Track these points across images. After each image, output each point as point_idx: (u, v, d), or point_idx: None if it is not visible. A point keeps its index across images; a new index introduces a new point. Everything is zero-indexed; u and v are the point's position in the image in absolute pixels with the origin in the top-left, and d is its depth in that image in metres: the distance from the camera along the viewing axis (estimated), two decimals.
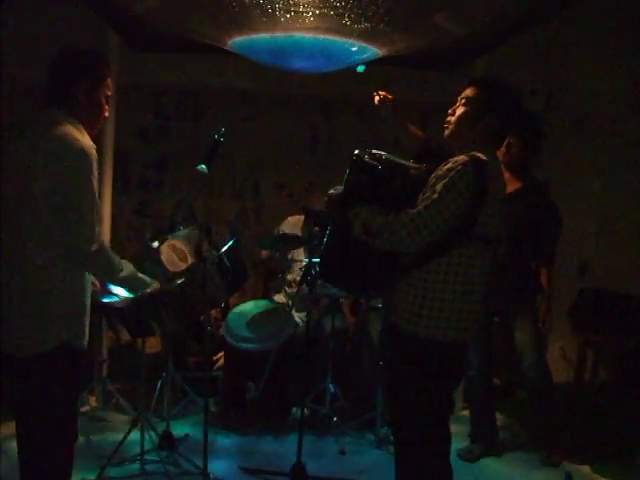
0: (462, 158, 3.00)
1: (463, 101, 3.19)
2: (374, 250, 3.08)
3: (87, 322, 3.14)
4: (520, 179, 4.62)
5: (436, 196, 2.95)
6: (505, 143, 4.52)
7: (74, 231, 2.98)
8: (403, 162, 3.21)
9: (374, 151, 3.27)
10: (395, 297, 3.14)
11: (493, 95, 3.17)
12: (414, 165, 3.27)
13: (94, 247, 3.00)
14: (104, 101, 3.18)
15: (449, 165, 3.00)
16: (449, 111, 3.25)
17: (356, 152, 3.22)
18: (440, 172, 3.02)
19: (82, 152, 2.97)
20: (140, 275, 3.31)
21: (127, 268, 3.22)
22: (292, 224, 5.57)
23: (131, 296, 3.71)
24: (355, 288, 3.76)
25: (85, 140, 3.04)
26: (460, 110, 3.19)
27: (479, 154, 3.03)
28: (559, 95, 6.56)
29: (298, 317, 5.30)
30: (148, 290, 3.38)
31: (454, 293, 3.03)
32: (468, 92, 3.20)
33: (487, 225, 3.02)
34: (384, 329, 3.33)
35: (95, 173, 3.00)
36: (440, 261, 3.02)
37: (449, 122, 3.22)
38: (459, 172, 2.95)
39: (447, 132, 3.23)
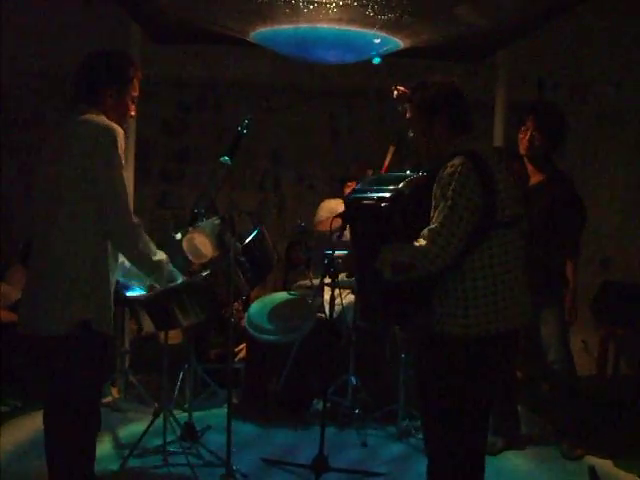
0: (458, 159, 2.99)
1: (410, 125, 3.24)
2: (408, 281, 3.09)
3: (110, 309, 3.18)
4: (543, 171, 4.60)
5: (450, 203, 2.95)
6: (528, 136, 4.52)
7: (109, 203, 3.04)
8: (393, 187, 3.18)
9: (359, 187, 3.35)
10: (436, 308, 3.11)
11: (423, 102, 3.17)
12: (410, 177, 3.26)
13: (134, 219, 3.07)
14: (130, 102, 3.26)
15: (448, 170, 2.99)
16: (409, 135, 3.28)
17: (351, 198, 3.27)
18: (442, 180, 3.01)
19: (106, 128, 3.04)
20: (171, 267, 3.34)
21: (161, 254, 3.27)
22: (329, 209, 5.56)
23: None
24: (401, 321, 3.78)
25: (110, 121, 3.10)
26: (415, 133, 3.23)
27: (468, 148, 3.05)
28: (582, 87, 6.51)
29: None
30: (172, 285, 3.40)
31: (495, 285, 3.02)
32: (407, 114, 3.25)
33: (505, 208, 3.03)
34: (424, 342, 3.29)
35: (121, 148, 3.05)
36: (472, 258, 3.01)
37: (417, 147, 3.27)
38: (462, 173, 2.95)
39: (422, 157, 3.27)
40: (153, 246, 3.23)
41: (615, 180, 6.57)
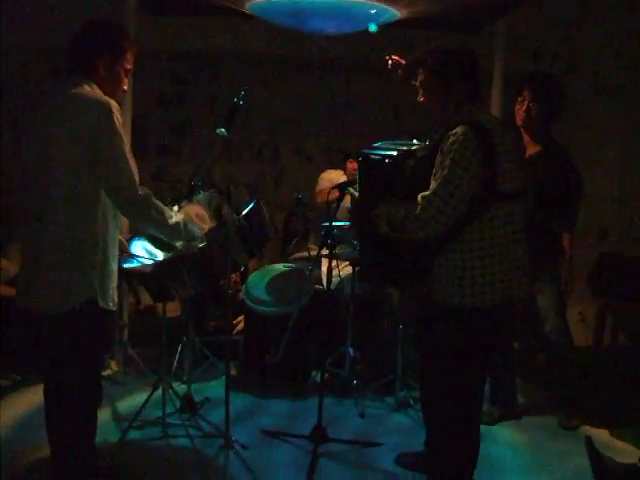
0: (461, 129, 3.01)
1: (421, 88, 3.23)
2: (405, 242, 3.12)
3: (114, 285, 3.19)
4: (540, 142, 4.58)
5: (447, 172, 2.97)
6: (524, 107, 4.51)
7: (114, 180, 3.06)
8: (406, 148, 3.24)
9: (377, 144, 3.37)
10: (434, 276, 3.16)
11: (440, 67, 3.17)
12: (418, 144, 3.29)
13: (140, 192, 3.10)
14: (123, 74, 3.25)
15: (451, 139, 3.02)
16: (419, 99, 3.27)
17: (362, 152, 3.30)
18: (445, 148, 3.03)
19: (102, 103, 3.03)
20: (190, 225, 3.42)
21: (178, 216, 3.34)
22: (329, 179, 5.55)
23: (154, 260, 3.75)
24: (397, 282, 3.78)
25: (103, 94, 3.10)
26: (426, 98, 3.22)
27: (474, 118, 3.07)
28: (580, 58, 6.48)
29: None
30: (197, 242, 3.47)
31: (492, 257, 3.05)
32: (420, 77, 3.23)
33: (507, 181, 3.05)
34: (423, 311, 3.33)
35: (119, 122, 3.05)
36: (472, 228, 3.04)
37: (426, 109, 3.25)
38: (463, 143, 2.97)
39: (432, 120, 3.27)
40: (167, 211, 3.28)
41: (612, 151, 6.55)
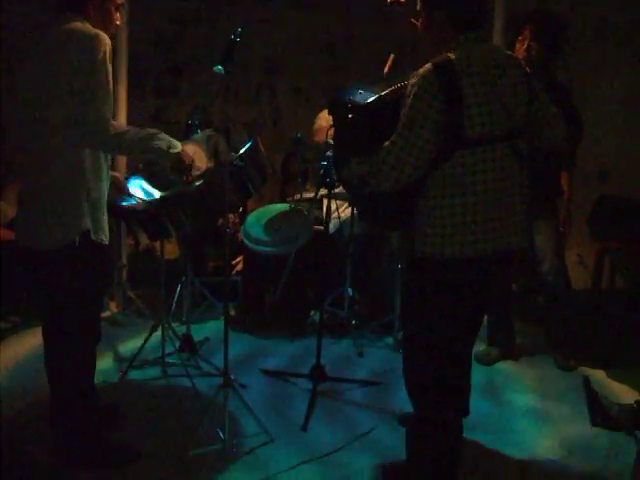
0: (423, 69, 2.78)
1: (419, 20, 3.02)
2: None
3: (105, 218, 3.20)
4: (540, 81, 4.52)
5: (405, 119, 2.76)
6: (525, 46, 4.44)
7: (86, 112, 2.98)
8: (379, 93, 3.00)
9: (356, 87, 3.14)
10: (415, 224, 2.97)
11: None
12: (395, 83, 3.12)
13: (110, 129, 3.02)
14: (114, 10, 3.21)
15: (412, 80, 2.79)
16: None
17: (333, 99, 3.18)
18: (407, 90, 2.80)
19: (90, 37, 2.98)
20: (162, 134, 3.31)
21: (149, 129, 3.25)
22: (327, 119, 5.48)
23: (150, 198, 3.74)
24: (384, 225, 3.70)
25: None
26: (421, 30, 3.00)
27: (445, 55, 2.80)
28: None
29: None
30: (175, 152, 3.34)
31: (463, 206, 2.80)
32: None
33: (478, 126, 2.76)
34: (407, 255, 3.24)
35: (107, 56, 2.99)
36: (435, 174, 2.81)
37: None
38: (422, 86, 2.73)
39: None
40: (138, 129, 3.19)
41: (615, 93, 6.48)
